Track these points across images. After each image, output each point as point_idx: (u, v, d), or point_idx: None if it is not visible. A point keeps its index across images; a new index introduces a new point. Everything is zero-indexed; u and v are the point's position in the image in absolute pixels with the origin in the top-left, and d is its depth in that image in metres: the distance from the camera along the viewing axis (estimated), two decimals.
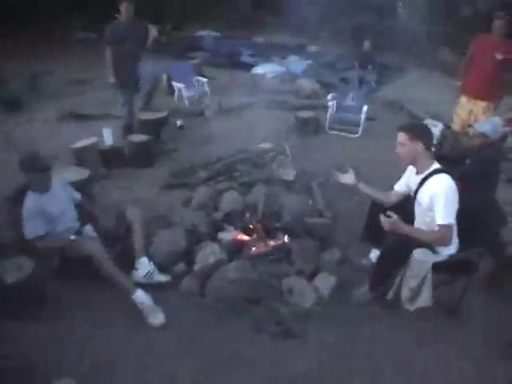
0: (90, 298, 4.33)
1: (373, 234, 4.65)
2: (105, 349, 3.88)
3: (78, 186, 5.28)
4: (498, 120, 5.73)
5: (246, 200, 5.68)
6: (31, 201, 4.35)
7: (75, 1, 17.98)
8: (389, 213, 4.08)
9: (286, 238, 5.08)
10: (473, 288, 4.32)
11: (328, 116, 9.31)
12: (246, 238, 5.09)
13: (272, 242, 5.03)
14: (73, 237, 4.44)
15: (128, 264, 4.51)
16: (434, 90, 12.52)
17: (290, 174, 6.34)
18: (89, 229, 4.79)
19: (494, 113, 7.20)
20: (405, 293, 4.07)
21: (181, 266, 4.73)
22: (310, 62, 15.02)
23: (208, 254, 4.68)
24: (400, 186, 4.52)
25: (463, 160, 4.60)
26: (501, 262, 4.67)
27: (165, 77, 11.29)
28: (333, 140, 8.85)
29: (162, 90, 11.05)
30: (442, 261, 4.04)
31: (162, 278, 4.57)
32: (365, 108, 9.16)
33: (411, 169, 4.35)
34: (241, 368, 3.78)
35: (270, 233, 5.13)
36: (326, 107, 9.60)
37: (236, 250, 4.93)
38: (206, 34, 18.61)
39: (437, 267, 3.97)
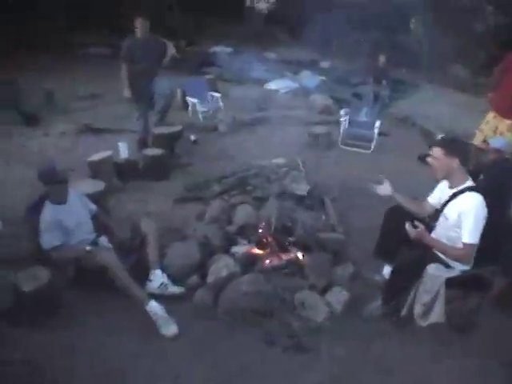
0: (103, 308, 4.37)
1: (386, 249, 4.67)
2: (117, 357, 3.92)
3: (94, 198, 5.34)
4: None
5: (260, 214, 5.71)
6: (49, 212, 4.43)
7: (88, 16, 18.22)
8: (415, 223, 4.09)
9: (298, 253, 5.09)
10: (485, 305, 4.32)
11: (341, 131, 9.34)
12: (259, 251, 5.10)
13: (285, 256, 5.04)
14: (88, 248, 4.50)
15: (142, 275, 4.55)
16: (446, 105, 12.53)
17: (302, 189, 6.37)
18: (104, 240, 4.85)
19: None
20: (418, 308, 4.08)
21: (194, 279, 4.75)
22: (323, 77, 15.08)
23: (221, 266, 4.69)
24: (433, 199, 4.51)
25: (477, 175, 4.61)
26: None
27: (179, 92, 11.37)
28: (346, 155, 8.88)
29: (176, 104, 11.13)
30: (455, 276, 4.04)
31: (176, 289, 4.59)
32: (378, 123, 9.19)
33: (445, 182, 4.34)
34: (251, 381, 3.80)
35: (282, 247, 5.15)
36: (338, 122, 9.64)
37: (249, 263, 4.94)
38: (220, 49, 18.75)
39: (450, 283, 3.98)
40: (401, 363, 3.99)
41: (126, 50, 7.79)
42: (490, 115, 7.45)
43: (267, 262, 4.95)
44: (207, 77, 13.01)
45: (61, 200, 4.55)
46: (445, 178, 4.23)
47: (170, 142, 8.11)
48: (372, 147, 9.09)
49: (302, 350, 4.04)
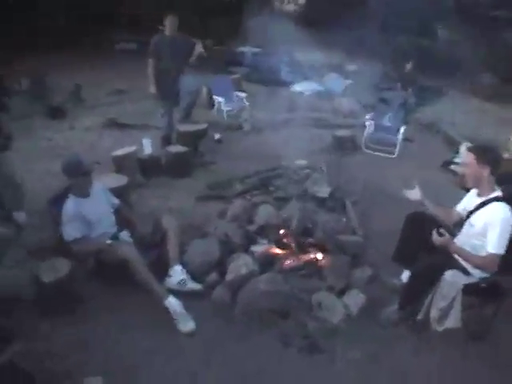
0: (121, 302, 4.42)
1: (405, 254, 4.65)
2: (133, 353, 3.96)
3: (117, 192, 5.40)
4: None
5: (281, 214, 5.74)
6: (72, 204, 4.49)
7: (116, 13, 18.38)
8: (441, 230, 4.07)
9: (318, 254, 5.10)
10: (502, 313, 4.29)
11: (365, 135, 9.32)
12: (278, 251, 5.13)
13: (304, 257, 5.06)
14: (109, 241, 4.56)
15: (162, 271, 4.59)
16: (473, 114, 12.43)
17: (324, 191, 6.38)
18: (125, 234, 4.90)
19: None
20: (434, 313, 4.07)
21: (213, 276, 4.78)
22: (350, 81, 15.04)
23: (240, 265, 4.72)
24: (460, 207, 4.51)
25: (499, 184, 4.58)
26: None
27: (205, 90, 11.42)
28: (369, 159, 8.84)
29: (201, 103, 11.19)
30: (473, 284, 4.03)
31: (195, 286, 4.62)
32: (402, 129, 9.14)
33: (473, 190, 4.32)
34: (266, 381, 3.82)
35: (302, 248, 5.16)
36: (363, 126, 9.61)
37: (268, 262, 4.97)
38: (247, 49, 18.79)
39: (467, 289, 3.97)
40: (416, 368, 3.98)
41: (154, 46, 7.86)
42: None
43: (286, 262, 4.97)
44: (233, 76, 13.06)
45: (84, 193, 4.61)
46: (474, 185, 4.20)
47: (194, 139, 8.16)
48: (396, 152, 9.04)
49: (318, 351, 4.05)
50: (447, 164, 8.53)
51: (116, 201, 5.08)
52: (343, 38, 16.40)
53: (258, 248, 5.15)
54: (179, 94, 8.30)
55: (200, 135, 8.40)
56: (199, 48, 8.13)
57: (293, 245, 5.13)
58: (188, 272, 4.71)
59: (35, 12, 16.45)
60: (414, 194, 4.67)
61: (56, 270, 4.27)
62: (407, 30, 17.33)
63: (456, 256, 4.12)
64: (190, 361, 3.93)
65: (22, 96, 10.27)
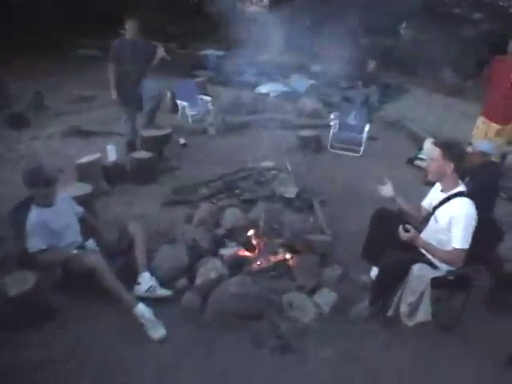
0: (91, 312, 4.36)
1: (373, 251, 4.69)
2: (105, 361, 3.91)
3: (81, 201, 5.32)
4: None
5: (248, 217, 5.73)
6: (35, 215, 4.39)
7: (78, 18, 18.17)
8: (407, 226, 4.10)
9: (286, 254, 5.11)
10: (471, 304, 4.36)
11: (330, 135, 9.36)
12: (247, 253, 5.13)
13: (273, 258, 5.06)
14: (75, 251, 4.49)
15: (130, 278, 4.54)
16: (435, 110, 12.59)
17: (291, 192, 6.39)
18: (91, 243, 4.83)
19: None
20: (403, 308, 4.10)
21: (182, 281, 4.75)
22: (312, 81, 15.13)
23: (209, 269, 4.70)
24: (426, 202, 4.55)
25: (463, 178, 4.63)
26: (498, 279, 4.70)
27: (169, 94, 11.37)
28: (334, 159, 8.90)
29: (165, 107, 11.13)
30: (441, 276, 4.08)
31: (164, 292, 4.58)
32: (367, 127, 9.22)
33: (437, 185, 4.37)
34: (240, 383, 3.81)
35: (271, 249, 5.16)
36: (328, 126, 9.66)
37: (237, 265, 4.96)
38: (211, 52, 18.77)
39: (435, 283, 4.02)
40: (388, 363, 4.02)
41: (115, 50, 7.78)
42: (480, 120, 7.50)
43: (255, 264, 4.97)
44: (197, 80, 13.02)
45: (47, 203, 4.51)
46: (437, 179, 4.25)
47: (158, 145, 8.10)
48: (361, 151, 9.11)
49: (290, 351, 4.06)
50: (412, 160, 8.63)
51: (81, 209, 4.99)
52: (306, 39, 16.51)
53: (227, 251, 5.13)
54: (142, 99, 8.23)
55: (164, 140, 8.33)
56: (161, 52, 8.06)
57: (261, 246, 5.12)
58: (157, 278, 4.67)
59: None
60: (387, 190, 4.70)
61: (21, 282, 4.18)
62: (371, 30, 17.52)
63: (423, 251, 4.17)
64: (161, 367, 3.89)
65: None
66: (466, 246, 3.91)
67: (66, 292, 4.51)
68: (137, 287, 4.54)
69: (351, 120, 9.70)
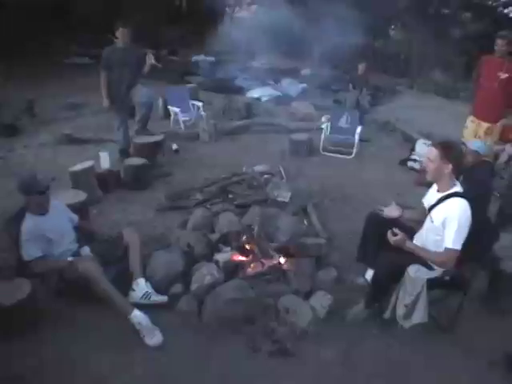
0: (88, 319, 4.33)
1: (368, 254, 4.71)
2: (101, 368, 3.88)
3: (76, 208, 5.32)
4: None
5: (242, 221, 5.73)
6: (30, 223, 4.39)
7: (70, 25, 18.14)
8: (395, 230, 4.12)
9: (281, 258, 5.12)
10: (467, 304, 4.37)
11: (322, 138, 9.39)
12: (242, 258, 5.12)
13: (268, 262, 5.06)
14: (70, 258, 4.49)
15: (126, 285, 4.54)
16: (426, 110, 12.67)
17: (284, 196, 6.40)
18: (86, 250, 4.82)
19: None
20: (400, 310, 4.11)
21: (178, 287, 4.73)
22: (304, 85, 15.18)
23: (204, 274, 4.69)
24: (425, 200, 4.57)
25: (456, 178, 4.66)
26: (494, 278, 4.71)
27: (161, 101, 11.38)
28: (327, 161, 8.92)
29: (158, 114, 11.14)
30: (437, 277, 4.09)
31: (159, 298, 4.57)
32: (358, 129, 9.25)
33: (434, 186, 4.37)
34: None
35: (265, 253, 5.16)
36: (320, 129, 9.69)
37: (232, 270, 4.94)
38: (202, 58, 18.82)
39: (431, 284, 4.03)
40: (386, 366, 4.02)
41: (106, 57, 7.83)
42: (469, 119, 7.55)
43: (250, 268, 4.97)
44: (189, 86, 13.05)
45: (42, 211, 4.50)
46: (433, 179, 4.24)
47: (151, 151, 8.10)
48: (353, 153, 9.14)
49: (287, 355, 4.05)
50: (404, 161, 8.66)
51: (75, 217, 4.99)
52: (297, 43, 16.55)
53: (222, 256, 5.12)
54: (133, 106, 8.25)
55: (157, 146, 8.34)
56: (150, 59, 8.07)
57: (256, 251, 5.12)
58: (152, 284, 4.66)
59: None
60: (394, 211, 4.68)
61: (16, 291, 4.17)
62: (359, 30, 17.58)
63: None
64: (158, 373, 3.89)
65: None
66: (458, 246, 3.92)
67: (62, 300, 4.50)
68: (132, 293, 4.53)
69: (343, 123, 9.74)
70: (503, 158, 7.66)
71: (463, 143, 6.22)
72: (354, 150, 9.15)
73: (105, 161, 7.41)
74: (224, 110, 11.95)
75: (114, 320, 4.21)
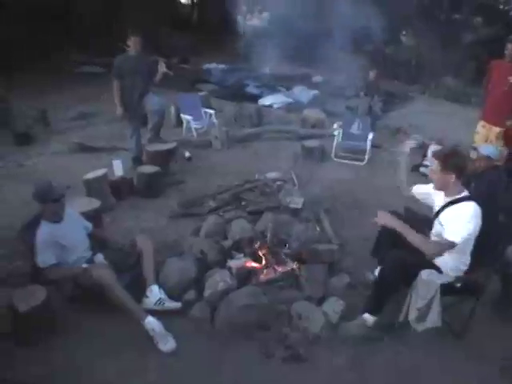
0: (103, 325, 4.37)
1: (380, 250, 4.74)
2: (115, 374, 3.92)
3: (89, 215, 5.37)
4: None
5: (255, 228, 5.76)
6: (45, 230, 4.44)
7: (83, 35, 18.28)
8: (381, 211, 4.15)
9: (294, 264, 5.13)
10: (482, 311, 4.36)
11: (334, 144, 9.39)
12: (254, 264, 5.13)
13: (281, 269, 5.07)
14: (85, 265, 4.53)
15: (139, 292, 4.57)
16: (438, 116, 12.63)
17: (297, 202, 6.40)
18: (100, 257, 4.86)
19: None
20: (412, 313, 4.10)
21: (191, 294, 4.76)
22: (315, 91, 15.19)
23: (217, 280, 4.72)
24: (417, 189, 4.59)
25: (468, 183, 4.65)
26: (507, 282, 4.69)
27: (173, 109, 11.44)
28: (339, 168, 8.92)
29: (170, 122, 11.20)
30: (449, 282, 4.08)
31: (173, 305, 4.60)
32: (370, 136, 9.25)
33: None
34: None
35: (278, 259, 5.18)
36: (332, 136, 9.70)
37: (245, 276, 4.97)
38: (213, 66, 18.89)
39: (444, 289, 4.02)
40: (398, 371, 4.03)
41: (117, 66, 7.90)
42: (480, 124, 7.54)
43: (263, 275, 4.98)
44: (201, 93, 13.08)
45: (57, 218, 4.56)
46: (441, 189, 4.24)
47: (164, 159, 8.14)
48: (365, 159, 9.13)
49: (300, 361, 4.07)
50: (417, 167, 8.64)
51: (89, 224, 5.04)
52: (308, 49, 16.54)
53: (235, 263, 5.14)
54: (146, 114, 8.31)
55: (170, 154, 8.38)
56: (162, 67, 8.13)
57: (269, 257, 5.14)
58: (165, 291, 4.69)
59: None
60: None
61: (31, 297, 4.21)
62: (371, 36, 17.57)
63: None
64: (172, 379, 3.91)
65: None
66: (455, 239, 3.90)
67: (77, 306, 4.54)
68: (145, 300, 4.56)
69: (355, 129, 9.73)
70: None
71: (475, 148, 6.20)
72: (366, 157, 9.14)
73: (118, 169, 7.45)
74: (236, 117, 11.97)
75: (128, 327, 4.24)
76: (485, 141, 7.27)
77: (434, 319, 4.04)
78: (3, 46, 14.78)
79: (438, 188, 4.24)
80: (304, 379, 3.94)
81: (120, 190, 7.17)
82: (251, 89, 16.18)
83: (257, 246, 5.33)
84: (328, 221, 6.26)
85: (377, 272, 4.85)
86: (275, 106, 13.88)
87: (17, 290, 4.29)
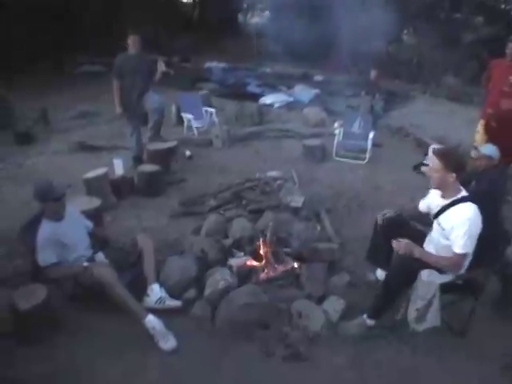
0: (104, 324, 4.38)
1: (377, 255, 4.73)
2: (115, 372, 3.93)
3: (90, 214, 5.38)
4: None
5: (255, 227, 5.76)
6: (46, 229, 4.44)
7: (82, 34, 18.29)
8: (400, 239, 4.11)
9: (294, 263, 5.13)
10: (481, 311, 4.36)
11: (335, 143, 9.38)
12: (255, 263, 5.14)
13: (281, 267, 5.08)
14: (85, 263, 4.53)
15: (140, 290, 4.57)
16: (439, 115, 12.63)
17: (297, 201, 6.40)
18: (101, 256, 4.86)
19: None
20: (411, 314, 4.10)
21: (191, 292, 4.77)
22: (316, 90, 15.19)
23: (218, 279, 4.72)
24: (423, 205, 4.57)
25: (468, 182, 4.65)
26: (506, 282, 4.69)
27: (174, 107, 11.44)
28: (340, 167, 8.92)
29: (171, 120, 11.20)
30: (449, 282, 4.08)
31: (174, 303, 4.60)
32: (371, 135, 9.24)
33: (435, 191, 4.36)
34: None
35: (279, 258, 5.18)
36: (332, 135, 9.70)
37: (246, 275, 4.98)
38: (214, 65, 18.90)
39: (444, 288, 4.02)
40: (398, 370, 4.02)
41: (117, 65, 7.93)
42: (481, 123, 7.54)
43: (263, 273, 4.99)
44: (201, 92, 13.09)
45: (58, 217, 4.56)
46: (439, 187, 4.23)
47: (165, 157, 8.15)
48: (366, 158, 9.13)
49: (300, 360, 4.06)
50: (417, 167, 8.64)
51: (89, 223, 5.04)
52: (309, 48, 16.56)
53: (235, 261, 5.15)
54: (146, 113, 8.31)
55: (170, 153, 8.39)
56: (161, 66, 8.13)
57: (269, 256, 5.14)
58: (166, 289, 4.69)
59: None
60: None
61: (32, 296, 4.21)
62: (372, 36, 17.59)
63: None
64: (172, 377, 3.92)
65: None
66: (467, 250, 3.94)
67: (77, 305, 4.55)
68: (146, 299, 4.57)
69: (356, 128, 9.72)
70: None
71: (475, 147, 6.20)
72: (367, 156, 9.14)
73: (118, 168, 7.46)
74: (237, 116, 11.96)
75: (128, 325, 4.24)
76: (485, 140, 7.26)
77: (433, 319, 4.04)
78: (3, 46, 14.79)
79: (436, 186, 4.23)
80: (304, 378, 3.93)
81: (120, 188, 7.17)
82: (252, 88, 16.19)
83: (257, 244, 5.34)
84: (328, 220, 6.26)
85: (378, 273, 4.86)
86: (276, 104, 13.88)
87: (17, 289, 4.29)
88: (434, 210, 4.31)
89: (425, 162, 8.65)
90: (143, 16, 18.37)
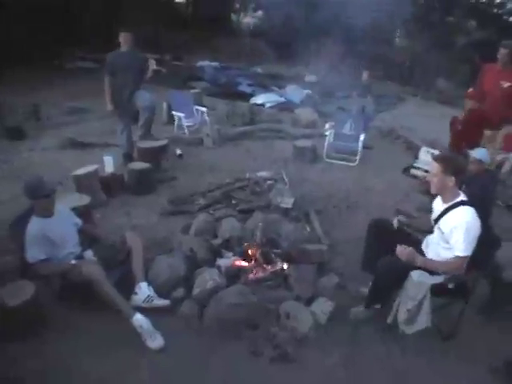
0: (90, 321, 4.36)
1: (372, 262, 4.73)
2: (103, 371, 3.91)
3: (79, 211, 5.35)
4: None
5: (245, 227, 5.76)
6: (34, 225, 4.42)
7: (75, 31, 18.22)
8: (403, 246, 4.12)
9: (283, 264, 5.13)
10: (470, 313, 4.39)
11: (326, 144, 9.39)
12: (244, 263, 5.13)
13: (270, 268, 5.07)
14: (74, 261, 4.51)
15: (128, 288, 4.56)
16: (430, 118, 12.68)
17: (287, 202, 6.41)
18: (90, 254, 4.84)
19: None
20: (401, 315, 4.12)
21: (180, 291, 4.75)
22: (308, 91, 15.21)
23: (207, 279, 4.71)
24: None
25: (459, 186, 4.66)
26: (496, 286, 4.72)
27: (165, 106, 11.42)
28: (330, 168, 8.93)
29: (162, 118, 11.18)
30: (440, 283, 4.10)
31: (162, 302, 4.59)
32: (362, 137, 9.25)
33: (438, 199, 4.38)
34: None
35: (268, 259, 5.18)
36: (323, 136, 9.70)
37: (234, 275, 4.97)
38: (206, 64, 18.88)
39: (434, 290, 4.04)
40: (387, 371, 4.04)
41: (109, 62, 7.90)
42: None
43: (252, 274, 4.98)
44: (193, 91, 13.06)
45: (47, 214, 4.54)
46: (438, 192, 4.26)
47: (155, 156, 8.13)
48: (357, 160, 9.14)
49: (288, 360, 4.07)
50: (407, 170, 8.67)
51: (79, 220, 5.01)
52: (301, 49, 16.60)
53: (224, 261, 5.14)
54: (137, 111, 8.29)
55: (161, 151, 8.37)
56: (152, 64, 8.13)
57: (258, 256, 5.14)
58: (154, 288, 4.68)
59: None
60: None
61: (21, 293, 4.20)
62: (364, 38, 17.64)
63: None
64: (159, 377, 3.91)
65: None
66: (468, 253, 3.96)
67: (65, 302, 4.53)
68: (134, 297, 4.55)
69: (347, 129, 9.73)
70: (507, 166, 7.66)
71: (466, 153, 6.23)
72: (358, 157, 9.15)
73: (109, 165, 7.43)
74: (228, 115, 11.95)
75: (116, 324, 4.23)
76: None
77: (424, 320, 4.06)
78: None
79: (436, 191, 4.25)
80: (292, 379, 3.94)
81: (110, 186, 7.14)
82: (243, 87, 16.18)
83: (246, 245, 5.33)
84: (318, 221, 6.27)
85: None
86: (267, 105, 13.89)
87: (5, 286, 4.28)
88: (435, 215, 4.33)
89: (415, 164, 8.68)
90: (136, 15, 18.32)
